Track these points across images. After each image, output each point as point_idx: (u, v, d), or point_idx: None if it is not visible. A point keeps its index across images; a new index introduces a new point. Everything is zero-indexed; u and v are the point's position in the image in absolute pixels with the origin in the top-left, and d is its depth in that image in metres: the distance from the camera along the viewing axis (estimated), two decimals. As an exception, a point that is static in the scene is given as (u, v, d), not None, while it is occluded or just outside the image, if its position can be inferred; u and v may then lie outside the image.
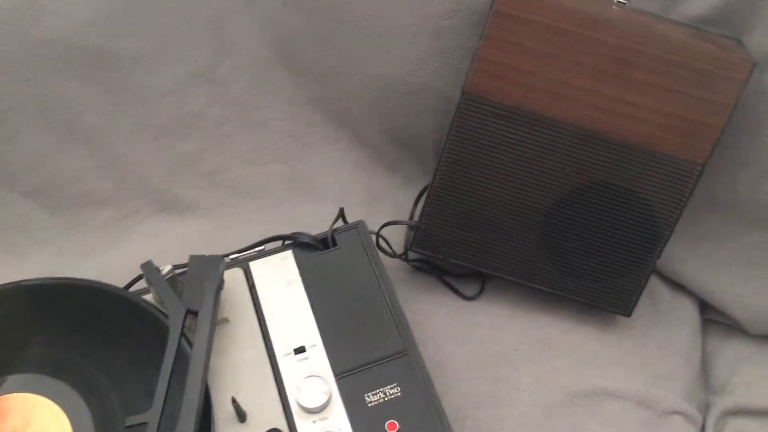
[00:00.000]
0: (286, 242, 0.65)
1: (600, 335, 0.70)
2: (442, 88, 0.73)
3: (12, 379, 0.56)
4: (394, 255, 0.70)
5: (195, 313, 0.56)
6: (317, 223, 0.68)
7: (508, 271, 0.68)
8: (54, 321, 0.58)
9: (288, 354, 0.57)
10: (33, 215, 0.76)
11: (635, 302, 0.68)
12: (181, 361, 0.53)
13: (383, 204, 0.79)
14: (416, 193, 0.78)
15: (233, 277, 0.62)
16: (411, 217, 0.77)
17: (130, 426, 0.50)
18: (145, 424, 0.50)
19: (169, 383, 0.51)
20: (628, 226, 0.65)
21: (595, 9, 0.59)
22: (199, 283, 0.57)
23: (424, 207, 0.68)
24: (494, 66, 0.61)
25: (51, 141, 0.73)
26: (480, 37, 0.61)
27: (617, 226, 0.65)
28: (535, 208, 0.65)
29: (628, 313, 0.68)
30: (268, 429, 0.53)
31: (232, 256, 0.63)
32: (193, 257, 0.59)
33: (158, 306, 0.59)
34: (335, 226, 0.66)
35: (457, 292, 0.72)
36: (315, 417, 0.54)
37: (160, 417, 0.50)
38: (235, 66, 0.75)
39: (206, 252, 0.59)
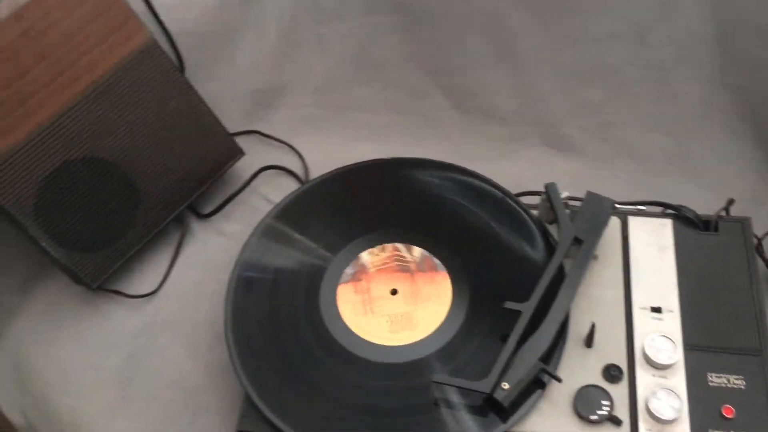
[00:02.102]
0: (669, 211, 0.68)
1: None
2: None
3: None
4: (766, 261, 0.70)
5: (579, 242, 0.63)
6: (689, 204, 0.70)
7: None
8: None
9: (644, 308, 0.62)
10: (444, 111, 0.88)
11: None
12: (558, 275, 0.61)
13: (764, 209, 0.78)
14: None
15: (611, 224, 0.68)
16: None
17: (506, 308, 0.59)
18: (518, 312, 0.59)
19: (546, 289, 0.59)
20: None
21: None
22: (591, 217, 0.64)
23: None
24: None
25: (485, 53, 0.83)
26: None
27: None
28: None
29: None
30: (609, 363, 0.59)
31: (616, 205, 0.69)
32: (590, 193, 0.65)
33: (542, 224, 0.67)
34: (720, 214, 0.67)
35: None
36: (655, 372, 0.58)
37: (533, 312, 0.58)
38: (667, 34, 0.78)
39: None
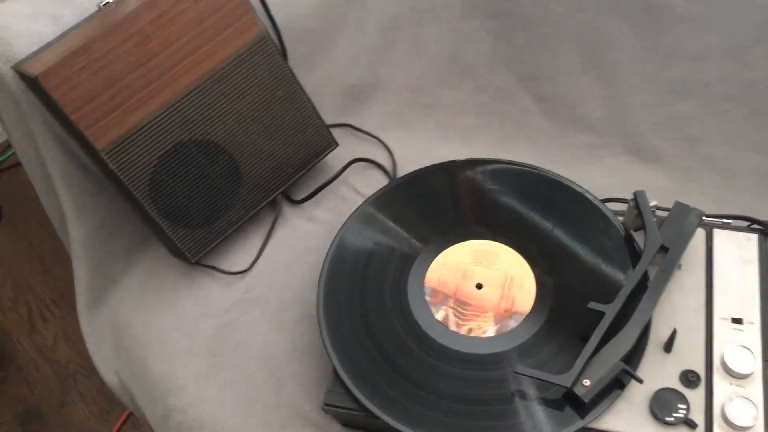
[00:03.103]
0: (755, 226, 0.69)
1: None
2: None
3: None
4: None
5: (665, 250, 0.64)
6: (773, 222, 0.71)
7: None
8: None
9: (724, 319, 0.63)
10: (533, 116, 0.90)
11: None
12: (643, 281, 0.63)
13: None
14: None
15: (697, 234, 0.69)
16: None
17: (590, 309, 0.61)
18: (601, 313, 0.61)
19: (630, 293, 0.62)
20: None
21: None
22: (678, 226, 0.65)
23: None
24: None
25: (576, 62, 0.85)
26: None
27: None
28: None
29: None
30: (687, 368, 0.61)
31: (703, 217, 0.70)
32: (678, 203, 0.67)
33: (628, 230, 0.69)
34: (807, 233, 0.68)
35: None
36: (733, 381, 0.60)
37: (616, 314, 0.61)
38: (765, 54, 0.78)
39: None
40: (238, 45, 0.73)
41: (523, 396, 0.61)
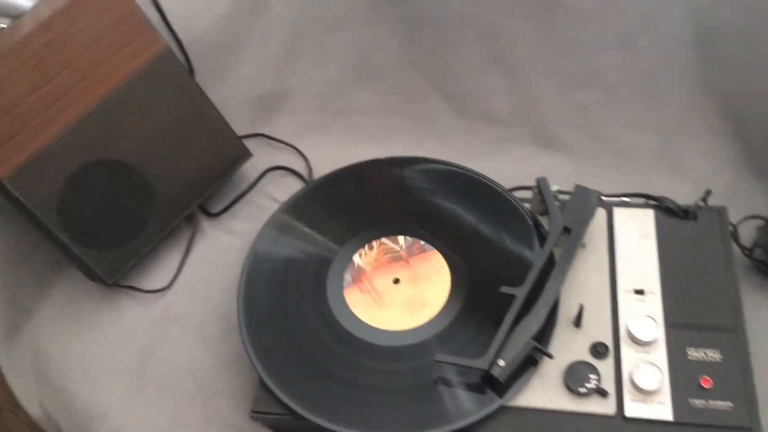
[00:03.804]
0: (651, 202, 0.73)
1: None
2: None
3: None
4: (741, 247, 0.75)
5: (568, 231, 0.67)
6: (672, 198, 0.75)
7: None
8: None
9: (628, 291, 0.67)
10: (442, 114, 0.93)
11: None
12: (549, 262, 0.65)
13: (740, 203, 0.82)
14: (778, 204, 0.81)
15: (598, 214, 0.72)
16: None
17: (502, 292, 0.64)
18: (513, 296, 0.63)
19: (538, 275, 0.64)
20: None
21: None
22: (579, 208, 0.68)
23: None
24: None
25: (481, 59, 0.88)
26: None
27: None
28: None
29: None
30: (596, 341, 0.64)
31: (602, 197, 0.73)
32: (578, 186, 0.70)
33: (534, 215, 0.72)
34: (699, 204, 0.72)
35: (790, 302, 0.74)
36: (639, 348, 0.63)
37: (526, 295, 0.63)
38: (654, 39, 0.83)
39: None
40: (139, 62, 0.73)
41: (446, 382, 0.62)
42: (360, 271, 0.71)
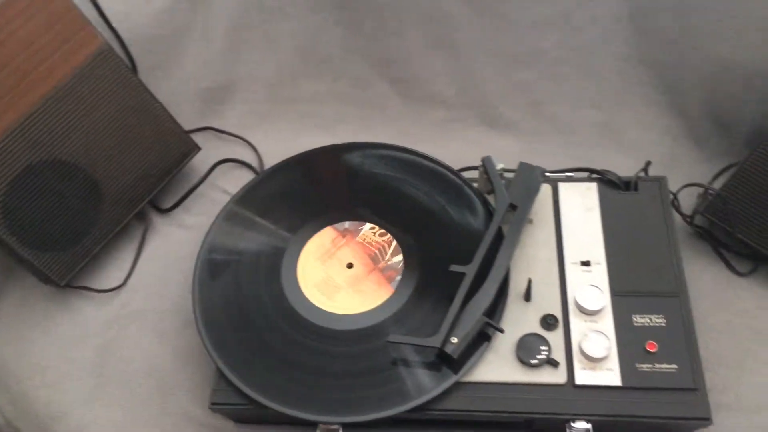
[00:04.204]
0: (593, 176, 0.75)
1: None
2: (781, 81, 0.78)
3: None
4: (682, 215, 0.78)
5: (514, 208, 0.69)
6: (615, 170, 0.76)
7: (791, 261, 0.72)
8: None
9: (575, 263, 0.69)
10: (390, 99, 0.94)
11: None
12: (497, 239, 0.67)
13: (679, 171, 0.85)
14: (715, 171, 0.84)
15: (543, 190, 0.74)
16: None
17: (452, 271, 0.65)
18: (463, 274, 0.65)
19: (486, 252, 0.65)
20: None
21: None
22: (523, 185, 0.70)
23: (729, 179, 0.74)
24: None
25: (424, 44, 0.89)
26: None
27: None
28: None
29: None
30: (546, 313, 0.65)
31: (546, 173, 0.75)
32: (522, 164, 0.72)
33: (482, 194, 0.73)
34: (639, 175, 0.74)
35: (729, 265, 0.77)
36: (587, 318, 0.65)
37: (476, 273, 0.64)
38: (590, 15, 0.84)
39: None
40: (79, 60, 0.72)
41: (403, 362, 0.64)
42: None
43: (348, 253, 0.71)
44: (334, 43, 0.92)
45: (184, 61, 0.90)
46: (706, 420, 0.60)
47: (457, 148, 0.92)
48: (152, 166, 0.82)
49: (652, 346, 0.62)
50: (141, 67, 0.87)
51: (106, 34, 0.81)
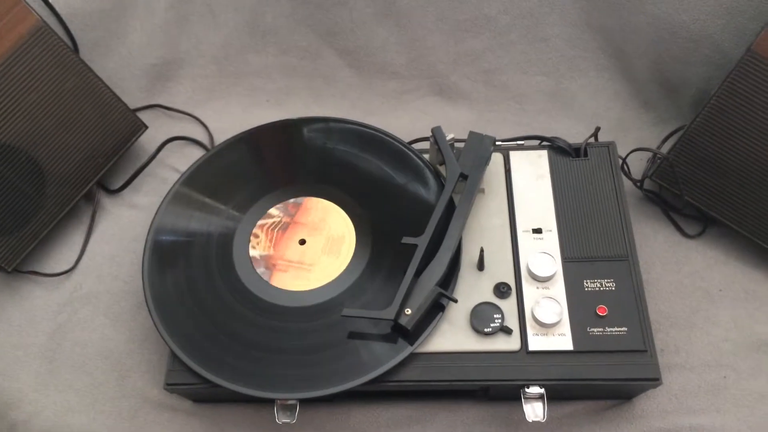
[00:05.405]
0: (544, 143, 0.75)
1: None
2: (722, 43, 0.78)
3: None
4: (632, 180, 0.79)
5: (465, 177, 0.69)
6: (566, 137, 0.77)
7: (737, 221, 0.74)
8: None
9: (527, 231, 0.69)
10: (340, 71, 0.92)
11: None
12: (449, 209, 0.67)
13: (629, 136, 0.86)
14: (664, 134, 0.85)
15: (494, 159, 0.74)
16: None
17: (404, 243, 0.65)
18: (415, 245, 0.65)
19: (438, 223, 0.65)
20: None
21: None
22: (474, 155, 0.70)
23: (676, 143, 0.75)
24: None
25: (372, 12, 0.88)
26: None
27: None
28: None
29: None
30: (499, 281, 0.66)
31: (497, 142, 0.75)
32: (472, 133, 0.71)
33: (433, 165, 0.73)
34: (589, 141, 0.75)
35: (678, 227, 0.79)
36: (539, 284, 0.66)
37: (427, 244, 0.64)
38: (535, -18, 0.84)
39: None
40: (12, 40, 0.70)
41: (358, 336, 0.64)
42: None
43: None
44: (281, 14, 0.91)
45: (128, 37, 0.88)
46: (656, 380, 0.61)
47: (410, 119, 0.91)
48: (98, 146, 0.80)
49: (602, 310, 0.63)
50: (82, 44, 0.84)
51: (43, 11, 0.79)
